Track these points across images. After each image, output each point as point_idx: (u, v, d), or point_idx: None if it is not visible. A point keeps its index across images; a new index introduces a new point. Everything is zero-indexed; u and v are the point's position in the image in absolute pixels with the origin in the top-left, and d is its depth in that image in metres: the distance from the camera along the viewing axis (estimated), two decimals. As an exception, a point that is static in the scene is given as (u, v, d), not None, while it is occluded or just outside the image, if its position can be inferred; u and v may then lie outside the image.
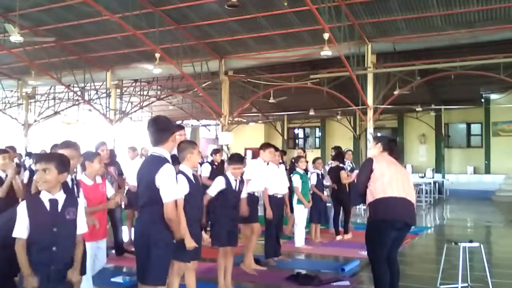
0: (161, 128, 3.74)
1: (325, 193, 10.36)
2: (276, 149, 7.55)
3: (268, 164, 7.04)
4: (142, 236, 3.62)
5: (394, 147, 4.91)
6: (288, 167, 9.29)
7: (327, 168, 10.12)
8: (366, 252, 7.58)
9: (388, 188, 4.50)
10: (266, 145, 7.09)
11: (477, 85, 19.82)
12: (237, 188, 5.48)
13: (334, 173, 9.48)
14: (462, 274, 5.09)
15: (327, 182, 9.56)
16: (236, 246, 5.59)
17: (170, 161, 3.71)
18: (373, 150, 4.90)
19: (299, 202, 8.25)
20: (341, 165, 9.55)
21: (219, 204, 5.35)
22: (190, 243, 4.04)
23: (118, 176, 7.36)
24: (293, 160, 9.04)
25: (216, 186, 5.37)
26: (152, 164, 3.63)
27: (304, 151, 10.60)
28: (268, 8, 13.36)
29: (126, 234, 8.24)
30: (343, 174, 9.37)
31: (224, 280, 5.41)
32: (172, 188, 3.58)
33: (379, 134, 17.67)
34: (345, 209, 9.49)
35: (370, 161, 4.74)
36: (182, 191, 4.14)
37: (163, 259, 3.64)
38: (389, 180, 4.53)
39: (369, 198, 4.63)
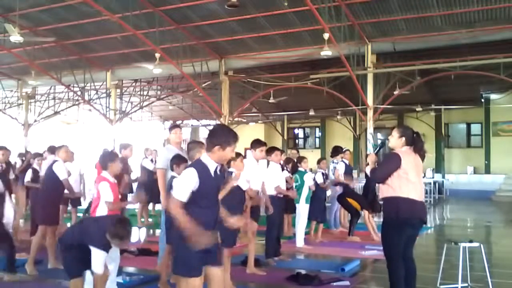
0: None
1: (328, 193, 10.44)
2: (276, 148, 7.56)
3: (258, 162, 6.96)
4: None
5: (418, 141, 4.62)
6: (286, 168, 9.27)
7: (332, 167, 10.10)
8: (366, 252, 7.69)
9: (412, 192, 4.44)
10: (256, 144, 7.00)
11: (477, 85, 19.82)
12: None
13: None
14: (462, 274, 5.08)
15: (328, 182, 9.53)
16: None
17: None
18: (395, 142, 4.59)
19: (307, 201, 8.29)
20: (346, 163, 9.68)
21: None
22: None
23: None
24: (295, 161, 9.05)
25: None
26: None
27: (298, 152, 10.80)
28: (268, 8, 13.36)
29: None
30: (336, 173, 9.52)
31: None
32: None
33: (379, 139, 17.64)
34: (354, 211, 9.32)
35: (397, 157, 4.47)
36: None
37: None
38: (414, 184, 4.46)
39: (387, 194, 4.51)
